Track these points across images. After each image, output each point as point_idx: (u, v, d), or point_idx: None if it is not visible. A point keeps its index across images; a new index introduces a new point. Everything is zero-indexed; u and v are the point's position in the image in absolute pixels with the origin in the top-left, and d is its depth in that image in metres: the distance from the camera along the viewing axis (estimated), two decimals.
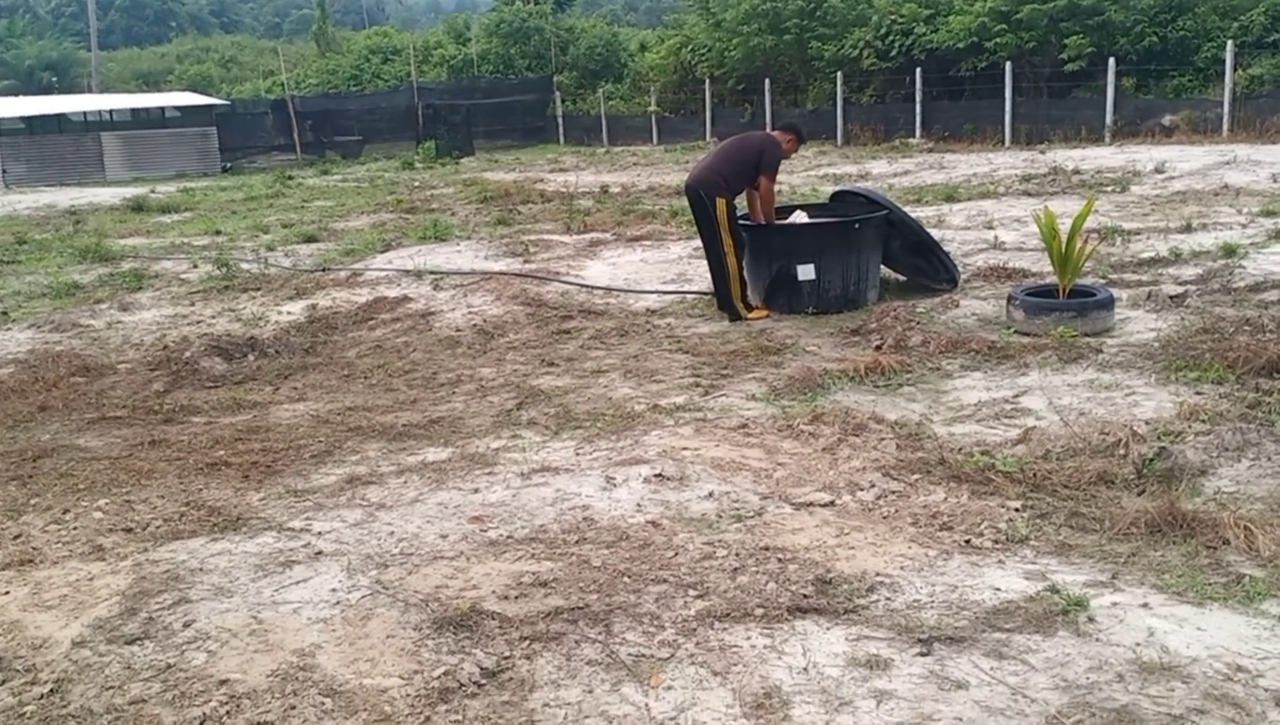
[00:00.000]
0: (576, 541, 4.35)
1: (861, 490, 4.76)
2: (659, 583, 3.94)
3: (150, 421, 6.71)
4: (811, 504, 4.63)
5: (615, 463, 5.30)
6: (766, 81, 29.44)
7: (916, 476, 4.90)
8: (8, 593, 4.21)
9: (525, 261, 11.52)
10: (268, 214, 18.24)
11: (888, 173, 19.19)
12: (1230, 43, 21.62)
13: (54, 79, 60.25)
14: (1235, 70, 21.36)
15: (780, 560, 4.05)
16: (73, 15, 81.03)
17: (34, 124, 32.17)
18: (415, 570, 4.17)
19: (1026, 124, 23.94)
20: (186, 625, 3.82)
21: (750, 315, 8.54)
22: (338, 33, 61.04)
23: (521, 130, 36.78)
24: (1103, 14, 23.76)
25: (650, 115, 33.57)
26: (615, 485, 4.97)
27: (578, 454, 5.56)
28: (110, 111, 34.34)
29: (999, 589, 3.81)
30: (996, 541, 4.24)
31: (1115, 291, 7.99)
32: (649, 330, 8.40)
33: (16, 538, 4.80)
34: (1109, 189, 14.54)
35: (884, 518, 4.50)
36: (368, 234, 14.40)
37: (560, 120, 36.96)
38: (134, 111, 34.59)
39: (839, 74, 27.52)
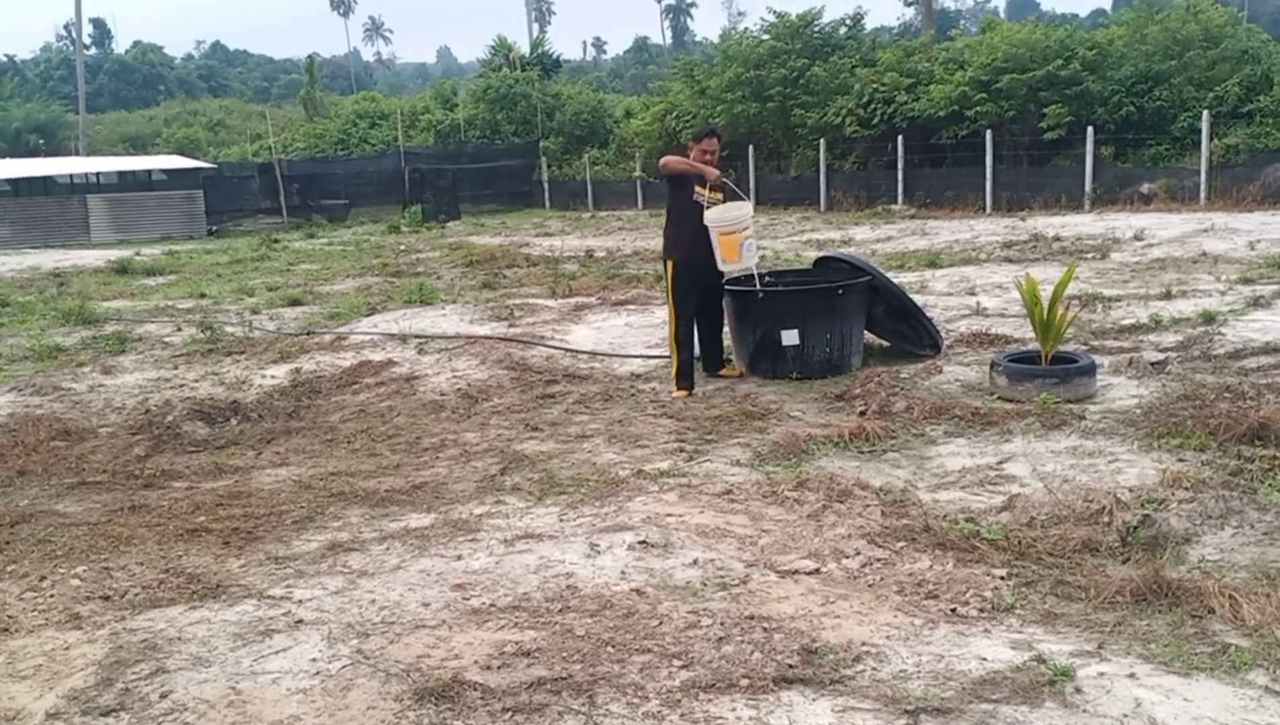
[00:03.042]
0: (560, 610, 4.31)
1: (847, 558, 4.74)
2: (643, 652, 3.90)
3: (130, 487, 6.64)
4: (797, 572, 4.60)
5: (599, 529, 5.27)
6: (750, 148, 29.77)
7: (902, 544, 4.89)
8: None
9: (510, 326, 11.54)
10: (253, 277, 18.26)
11: (871, 238, 19.36)
12: (1206, 113, 21.99)
13: (41, 141, 60.47)
14: (1211, 140, 21.71)
15: (765, 629, 4.02)
16: (61, 79, 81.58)
17: (20, 186, 32.20)
18: (397, 639, 4.12)
19: (1007, 191, 24.23)
20: (164, 696, 3.76)
21: (676, 392, 8.25)
22: (325, 97, 61.57)
23: (507, 195, 37.04)
24: (1081, 84, 24.18)
25: (635, 180, 33.87)
26: (599, 552, 4.93)
27: (561, 520, 5.53)
28: (97, 174, 34.44)
29: (985, 659, 3.78)
30: (982, 610, 4.22)
31: (1097, 358, 8.03)
32: (633, 395, 8.40)
33: None
34: (1089, 256, 14.69)
35: (869, 586, 4.48)
36: (353, 297, 14.43)
37: (546, 185, 37.24)
38: (121, 174, 34.69)
39: (822, 141, 27.86)
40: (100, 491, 6.57)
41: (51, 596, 4.80)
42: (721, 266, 8.26)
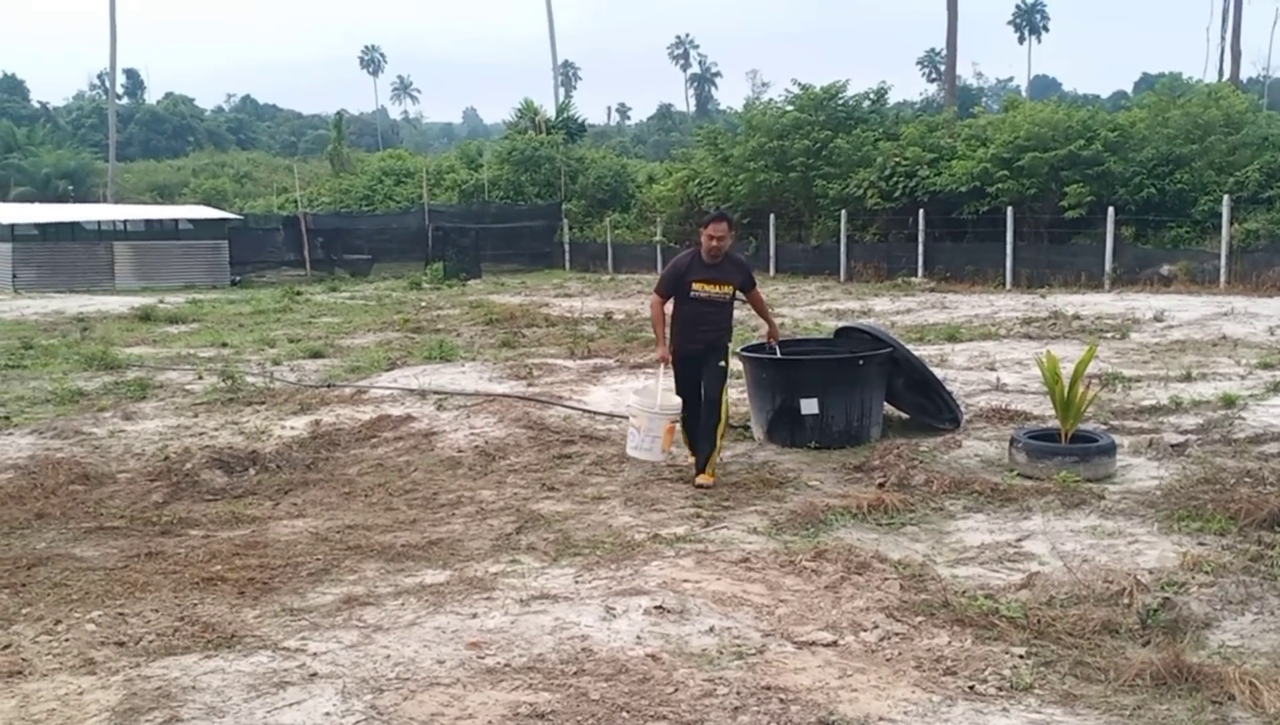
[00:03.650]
0: (575, 673, 4.30)
1: (865, 631, 4.72)
2: (658, 719, 3.88)
3: (148, 533, 6.67)
4: (814, 643, 4.58)
5: (615, 593, 5.26)
6: (771, 217, 29.97)
7: (920, 618, 4.86)
8: None
9: (529, 385, 11.58)
10: (275, 328, 18.38)
11: (890, 310, 19.41)
12: (1226, 197, 22.06)
13: (70, 187, 61.22)
14: (1231, 224, 21.76)
15: (782, 700, 4.00)
16: (93, 126, 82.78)
17: (47, 231, 32.57)
18: (411, 696, 4.11)
19: (1027, 268, 24.29)
20: None
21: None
22: (352, 154, 62.33)
23: (529, 255, 37.31)
24: (1102, 164, 24.32)
25: (655, 245, 34.05)
26: (615, 616, 4.92)
27: (577, 582, 5.52)
28: (124, 221, 34.83)
29: None
30: (1001, 688, 4.19)
31: (1116, 438, 8.01)
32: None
33: (5, 648, 4.73)
34: (1109, 335, 14.69)
35: (887, 660, 4.45)
36: (373, 352, 14.51)
37: (567, 246, 37.50)
38: (148, 222, 35.07)
39: (843, 212, 28.03)
40: (117, 537, 6.59)
41: (66, 640, 4.80)
42: (655, 456, 7.75)
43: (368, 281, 31.73)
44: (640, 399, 7.87)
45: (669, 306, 7.95)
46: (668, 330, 7.88)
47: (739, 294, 7.98)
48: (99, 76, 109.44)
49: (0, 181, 60.58)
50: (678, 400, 7.77)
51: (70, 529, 6.77)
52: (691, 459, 7.99)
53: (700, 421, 7.74)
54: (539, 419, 9.78)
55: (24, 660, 4.57)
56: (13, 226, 30.94)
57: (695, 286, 7.72)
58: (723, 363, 7.77)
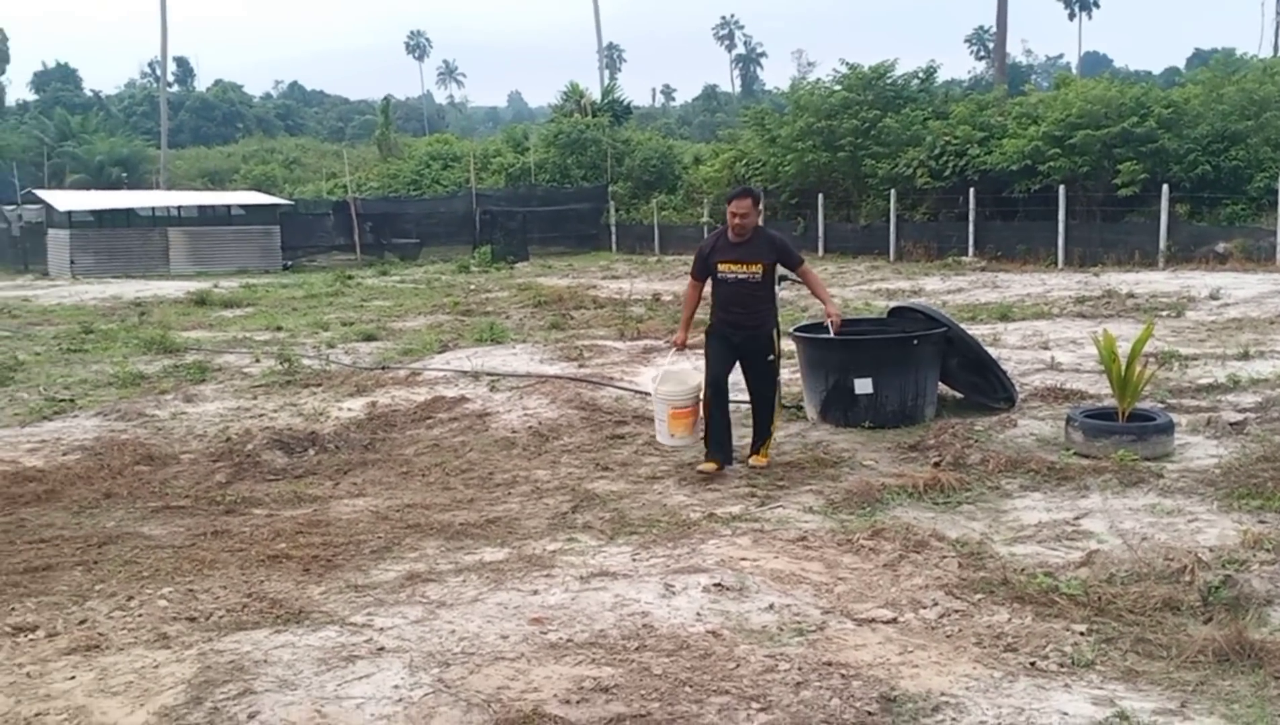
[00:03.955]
0: (637, 648, 4.35)
1: (924, 608, 4.73)
2: (721, 694, 3.92)
3: (213, 512, 6.80)
4: (874, 620, 4.60)
5: (673, 570, 5.31)
6: (820, 196, 29.83)
7: (979, 596, 4.87)
8: (74, 678, 4.27)
9: (579, 366, 11.65)
10: (328, 312, 18.59)
11: (941, 290, 19.28)
12: None
13: (123, 174, 62.04)
14: None
15: (844, 676, 4.03)
16: (144, 114, 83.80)
17: (103, 217, 33.07)
18: (477, 670, 4.18)
19: (1080, 246, 24.01)
20: (251, 717, 3.84)
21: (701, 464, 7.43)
22: (399, 138, 62.67)
23: (575, 237, 37.40)
24: (1156, 141, 23.97)
25: (702, 226, 33.98)
26: (674, 593, 4.97)
27: (635, 560, 5.57)
28: (178, 208, 35.31)
29: (1066, 714, 3.75)
30: (1062, 665, 4.19)
31: (1174, 417, 7.94)
32: (704, 437, 8.41)
33: (82, 623, 4.86)
34: (1164, 314, 14.51)
35: (947, 637, 4.46)
36: (425, 334, 14.65)
37: (613, 228, 37.54)
38: (201, 208, 35.54)
39: (892, 191, 27.85)
40: (184, 516, 6.73)
41: (140, 616, 4.92)
42: (672, 440, 7.59)
43: (417, 265, 31.95)
44: (674, 387, 7.67)
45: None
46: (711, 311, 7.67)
47: (789, 273, 7.69)
48: (150, 65, 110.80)
49: (56, 169, 61.51)
50: (681, 387, 7.56)
51: (138, 508, 6.93)
52: (702, 466, 7.36)
53: (755, 412, 7.61)
54: (591, 400, 9.84)
55: (100, 635, 4.69)
56: (70, 213, 31.45)
57: (721, 267, 7.41)
58: (772, 357, 7.47)
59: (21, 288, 25.81)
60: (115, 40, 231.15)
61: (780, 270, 7.63)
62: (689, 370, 7.79)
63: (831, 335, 8.59)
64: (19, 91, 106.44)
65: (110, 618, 4.92)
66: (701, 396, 7.46)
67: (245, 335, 15.42)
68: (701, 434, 7.49)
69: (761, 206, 7.55)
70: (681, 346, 7.79)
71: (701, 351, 7.83)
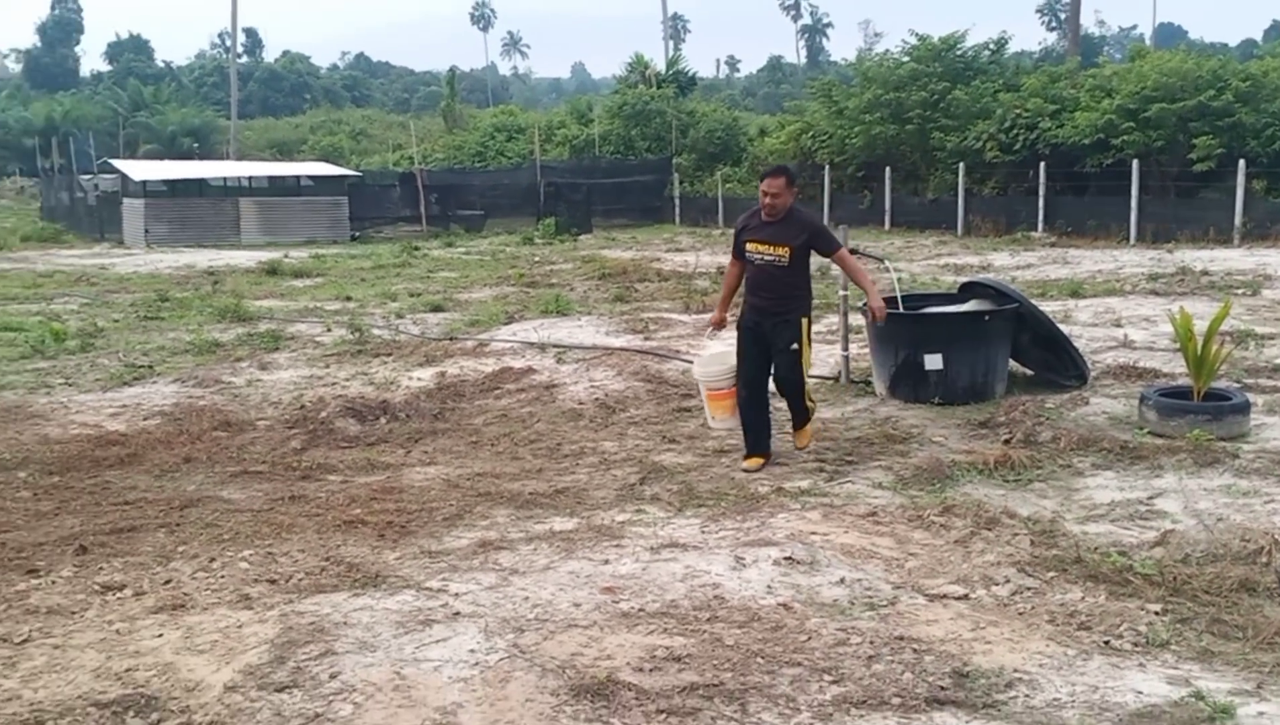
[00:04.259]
0: (708, 619, 4.39)
1: (996, 585, 4.72)
2: (793, 665, 3.95)
3: (289, 477, 6.94)
4: (945, 596, 4.60)
5: (743, 543, 5.34)
6: (887, 170, 29.52)
7: (1052, 574, 4.84)
8: (161, 635, 4.40)
9: (645, 338, 11.69)
10: (395, 282, 18.80)
11: (1010, 265, 19.03)
12: None
13: (195, 145, 63.11)
14: None
15: (916, 651, 4.04)
16: (214, 85, 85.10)
17: (176, 187, 33.61)
18: (551, 636, 4.25)
19: (1152, 222, 23.53)
20: (333, 677, 3.94)
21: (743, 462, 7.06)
22: (464, 110, 62.93)
23: (639, 210, 37.33)
24: (1233, 115, 23.40)
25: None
26: (745, 565, 5.00)
27: (704, 532, 5.61)
28: (249, 178, 35.78)
29: (1141, 692, 3.74)
30: (1137, 644, 4.17)
31: (1250, 396, 7.80)
32: (771, 413, 8.41)
33: (167, 583, 5.00)
34: (1240, 292, 14.20)
35: (1020, 614, 4.45)
36: (491, 306, 14.77)
37: (677, 201, 37.44)
38: (271, 179, 35.98)
39: (961, 165, 27.47)
40: (261, 481, 6.88)
41: (222, 577, 5.06)
42: (714, 423, 7.43)
43: (481, 237, 32.13)
44: (708, 366, 7.41)
45: None
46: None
47: (823, 257, 7.21)
48: (219, 36, 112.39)
49: (130, 139, 62.64)
50: (714, 368, 7.29)
51: (217, 473, 7.09)
52: (745, 463, 7.02)
53: (788, 403, 7.16)
54: (657, 372, 9.88)
55: (185, 595, 4.83)
56: (144, 183, 32.01)
57: (749, 247, 6.98)
58: (795, 346, 6.88)
59: (98, 256, 26.37)
60: (186, 12, 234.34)
61: (851, 242, 7.56)
62: (728, 351, 7.46)
63: (901, 311, 8.55)
64: (94, 62, 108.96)
65: (194, 578, 5.06)
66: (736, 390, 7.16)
67: (316, 305, 15.65)
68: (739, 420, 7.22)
69: (796, 187, 7.08)
70: (719, 325, 7.55)
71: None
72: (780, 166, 7.28)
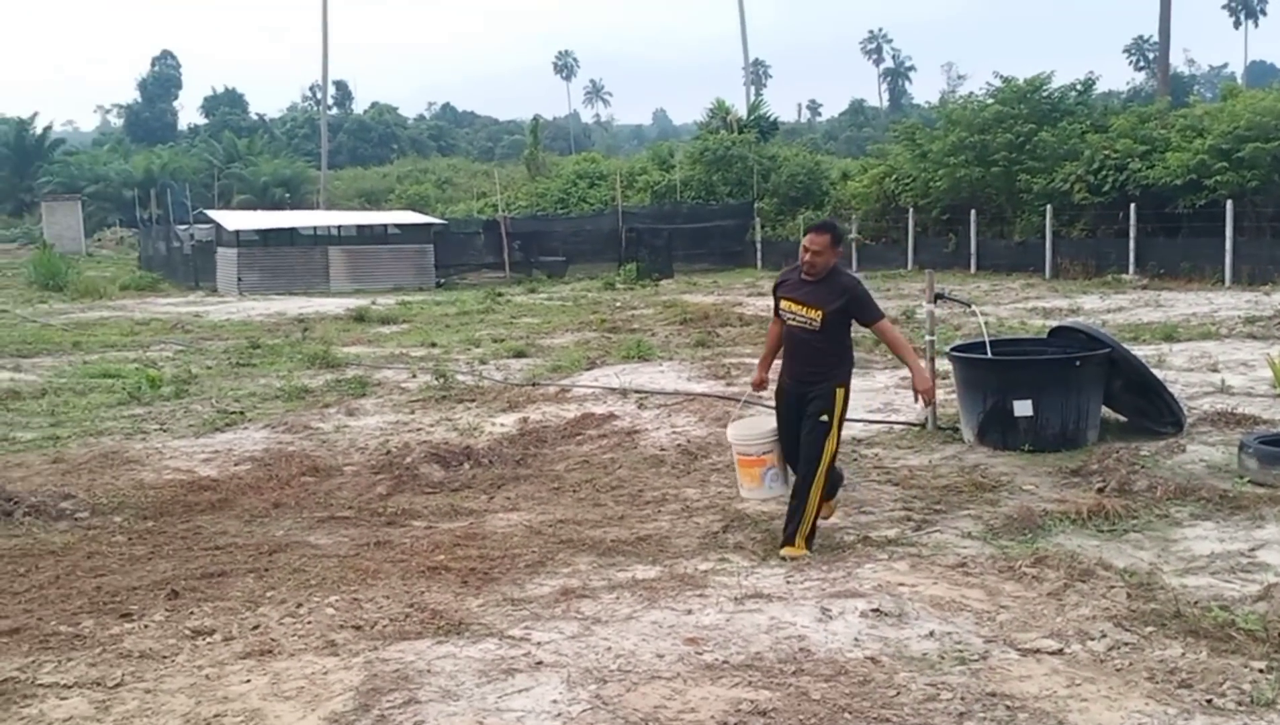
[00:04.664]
0: (794, 672, 4.32)
1: (1092, 640, 4.58)
2: (881, 721, 3.86)
3: (375, 523, 7.02)
4: (1039, 651, 4.47)
5: (829, 594, 5.25)
6: (972, 212, 29.19)
7: (1150, 629, 4.68)
8: (249, 681, 4.44)
9: (727, 384, 11.64)
10: (479, 328, 19.00)
11: (1100, 308, 18.65)
12: None
13: (286, 195, 64.70)
14: None
15: (1009, 708, 3.93)
16: (305, 136, 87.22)
17: (268, 236, 34.44)
18: (633, 688, 4.21)
19: (1248, 264, 22.89)
20: None
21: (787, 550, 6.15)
22: (547, 157, 63.68)
23: (720, 254, 37.35)
24: None
25: (851, 242, 33.66)
26: (831, 617, 4.92)
27: (789, 582, 5.53)
28: (338, 227, 36.55)
29: None
30: (1240, 703, 4.00)
31: None
32: (855, 460, 8.33)
33: (255, 628, 5.06)
34: None
35: (1117, 670, 4.30)
36: (573, 351, 14.84)
37: (759, 245, 37.39)
38: (359, 228, 36.70)
39: (1048, 207, 27.05)
40: (348, 526, 6.96)
41: (309, 623, 5.10)
42: (743, 492, 6.75)
43: (564, 282, 32.39)
44: (745, 428, 6.83)
45: None
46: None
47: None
48: (310, 88, 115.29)
49: (224, 190, 64.47)
50: (746, 431, 6.73)
51: (305, 518, 7.19)
52: (786, 552, 6.18)
53: (798, 462, 6.35)
54: (740, 418, 9.80)
55: (272, 640, 4.88)
56: (238, 233, 32.86)
57: (783, 303, 6.42)
58: (825, 417, 6.14)
59: (193, 304, 27.07)
60: (279, 66, 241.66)
61: (938, 286, 7.37)
62: (765, 416, 7.07)
63: (986, 356, 8.41)
64: (191, 116, 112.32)
65: (281, 624, 5.11)
66: (772, 446, 6.48)
67: (402, 351, 15.87)
68: (774, 492, 6.53)
69: (842, 248, 6.46)
70: (759, 387, 6.87)
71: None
72: (827, 222, 6.71)
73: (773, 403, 6.68)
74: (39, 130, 78.31)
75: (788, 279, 6.51)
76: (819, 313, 6.19)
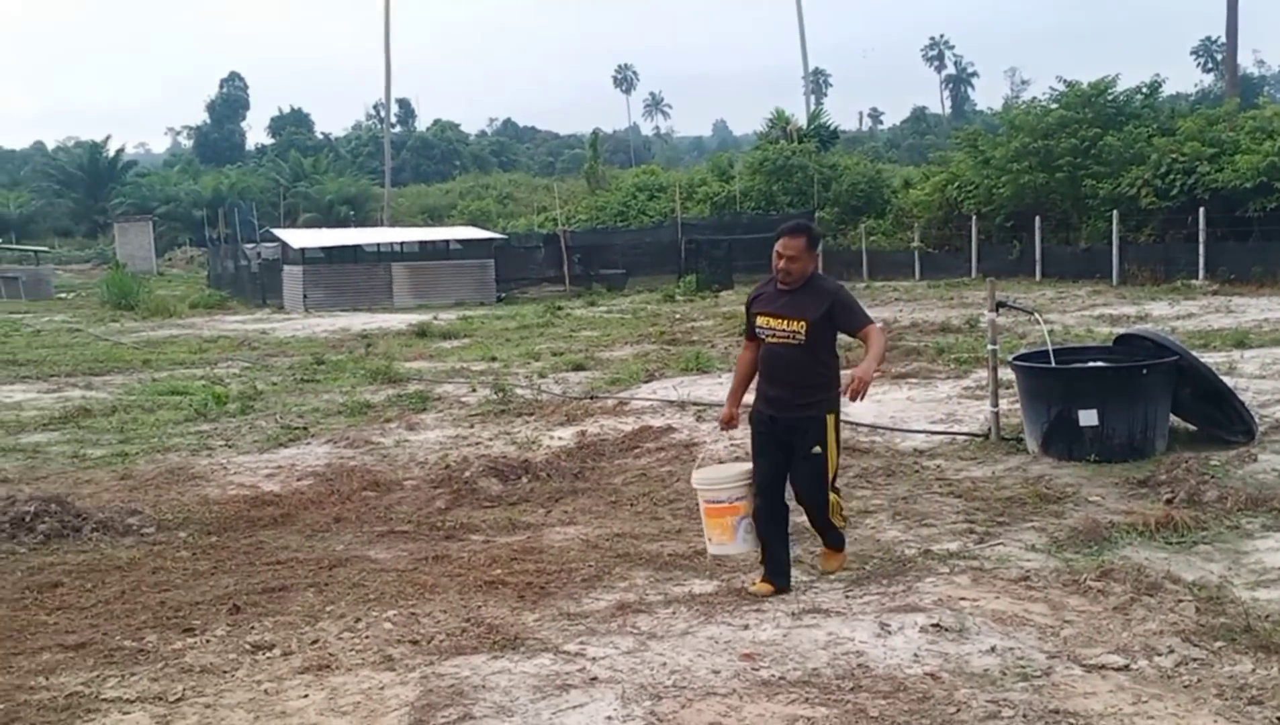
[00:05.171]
0: (851, 689, 4.25)
1: (1159, 655, 4.46)
2: None
3: (433, 537, 7.05)
4: (1104, 667, 4.36)
5: (888, 609, 5.18)
6: (1037, 219, 28.78)
7: (1220, 644, 4.55)
8: (306, 696, 4.47)
9: None
10: (539, 342, 19.07)
11: (1169, 315, 18.28)
12: None
13: (350, 212, 65.59)
14: None
15: None
16: (369, 154, 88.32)
17: (333, 254, 34.97)
18: (689, 704, 4.17)
19: None
20: None
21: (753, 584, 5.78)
22: (607, 171, 63.95)
23: None
24: None
25: (913, 251, 33.36)
26: (890, 632, 4.84)
27: (848, 597, 5.47)
28: (400, 244, 37.00)
29: None
30: None
31: None
32: (917, 471, 8.22)
33: (314, 643, 5.10)
34: None
35: (1185, 687, 4.19)
36: (632, 364, 14.83)
37: (820, 255, 37.20)
38: (421, 244, 37.14)
39: (1114, 212, 26.59)
40: (407, 540, 7.00)
41: (367, 638, 5.13)
42: (710, 548, 5.94)
43: (623, 295, 32.46)
44: (713, 473, 6.20)
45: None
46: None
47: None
48: (374, 107, 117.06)
49: (290, 209, 65.59)
50: (713, 474, 6.10)
51: (365, 533, 7.24)
52: (757, 581, 5.76)
53: (811, 522, 5.87)
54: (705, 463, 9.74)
55: (330, 655, 4.91)
56: (303, 251, 33.38)
57: (759, 321, 5.74)
58: (818, 449, 5.58)
59: (260, 321, 27.50)
60: (343, 86, 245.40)
61: (1000, 294, 7.05)
62: (735, 460, 6.50)
63: (1049, 364, 8.25)
64: (258, 136, 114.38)
65: (340, 638, 5.14)
66: (745, 491, 5.75)
67: (462, 365, 15.97)
68: (748, 547, 5.81)
69: (819, 251, 5.74)
70: (729, 424, 6.06)
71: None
72: (801, 224, 5.87)
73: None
74: (112, 153, 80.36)
75: (762, 293, 5.84)
76: (802, 323, 5.55)
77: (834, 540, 5.92)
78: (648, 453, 9.40)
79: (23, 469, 9.48)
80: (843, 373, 5.70)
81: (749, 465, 5.89)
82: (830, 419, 5.61)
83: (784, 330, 5.59)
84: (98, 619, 5.58)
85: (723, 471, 6.27)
